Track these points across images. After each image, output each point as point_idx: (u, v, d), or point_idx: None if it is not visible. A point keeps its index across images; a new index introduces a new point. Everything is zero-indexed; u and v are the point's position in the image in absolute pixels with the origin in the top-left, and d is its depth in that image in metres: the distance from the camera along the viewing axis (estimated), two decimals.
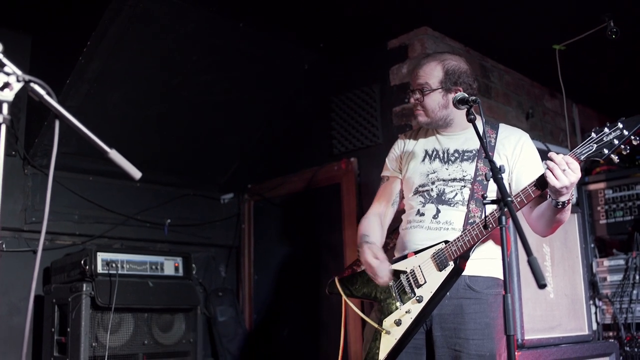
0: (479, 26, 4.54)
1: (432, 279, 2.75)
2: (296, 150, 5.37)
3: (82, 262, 4.22)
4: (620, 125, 2.40)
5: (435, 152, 3.03)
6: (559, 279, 3.95)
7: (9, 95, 1.60)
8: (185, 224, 5.60)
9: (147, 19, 4.12)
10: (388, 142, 4.48)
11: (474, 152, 2.93)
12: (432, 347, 2.83)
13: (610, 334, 4.55)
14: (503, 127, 3.05)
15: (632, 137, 2.36)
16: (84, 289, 4.12)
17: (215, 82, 4.81)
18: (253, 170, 5.76)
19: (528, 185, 2.59)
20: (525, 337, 3.58)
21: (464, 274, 2.75)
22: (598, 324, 4.57)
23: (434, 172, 2.97)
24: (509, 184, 2.89)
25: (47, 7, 4.39)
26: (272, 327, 5.23)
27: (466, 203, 2.85)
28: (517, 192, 2.64)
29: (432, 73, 2.93)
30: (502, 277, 2.49)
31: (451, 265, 2.72)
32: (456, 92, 2.87)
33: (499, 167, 2.36)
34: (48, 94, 1.69)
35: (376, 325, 2.87)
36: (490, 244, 2.84)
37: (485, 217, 2.64)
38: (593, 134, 2.45)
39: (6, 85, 1.60)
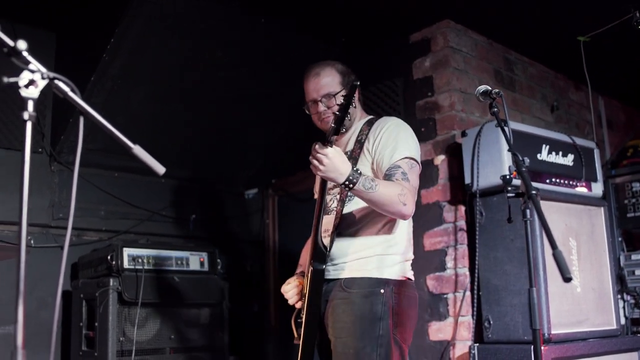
0: (502, 18, 4.50)
1: (307, 285, 2.94)
2: None
3: (109, 257, 4.26)
4: (343, 100, 2.56)
5: None
6: (585, 272, 3.91)
7: (34, 92, 1.61)
8: (210, 220, 5.63)
9: (168, 16, 4.14)
10: None
11: (349, 153, 3.03)
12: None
13: (639, 328, 4.50)
14: (379, 121, 3.10)
15: (351, 103, 2.55)
16: (111, 284, 4.16)
17: (238, 78, 4.82)
18: (277, 166, 5.77)
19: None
20: (552, 332, 3.54)
21: (339, 277, 2.91)
22: (626, 318, 4.52)
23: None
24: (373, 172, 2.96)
25: (70, 4, 4.43)
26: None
27: (335, 208, 2.99)
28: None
29: (332, 78, 3.08)
30: (380, 276, 2.85)
31: (310, 268, 2.87)
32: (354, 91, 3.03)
33: (522, 159, 2.36)
34: (72, 90, 1.71)
35: (295, 335, 3.10)
36: (361, 241, 2.93)
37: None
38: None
39: (31, 82, 1.61)
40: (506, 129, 2.52)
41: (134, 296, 4.19)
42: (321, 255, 2.86)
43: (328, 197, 3.05)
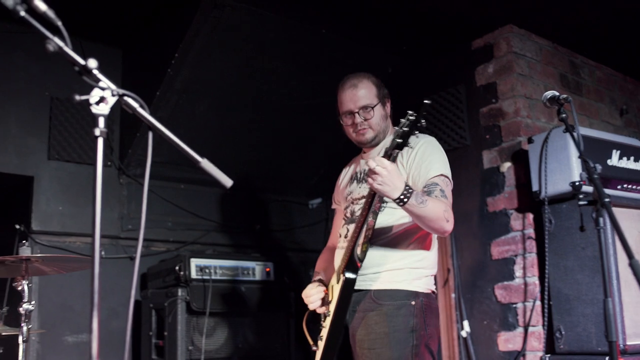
0: (566, 22, 4.41)
1: (335, 293, 2.94)
2: None
3: (177, 268, 4.33)
4: (410, 112, 2.52)
5: (355, 175, 3.24)
6: None
7: (104, 109, 1.66)
8: (275, 229, 5.67)
9: (230, 29, 4.19)
10: (476, 144, 4.42)
11: None
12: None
13: None
14: (413, 139, 3.00)
15: (420, 121, 2.52)
16: (179, 294, 4.23)
17: (300, 88, 4.85)
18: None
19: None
20: (628, 343, 3.43)
21: (369, 288, 2.90)
22: None
23: (350, 193, 3.17)
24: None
25: (136, 21, 4.54)
26: None
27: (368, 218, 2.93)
28: None
29: (370, 90, 3.06)
30: (410, 288, 2.87)
31: (342, 277, 2.86)
32: (388, 101, 3.12)
33: (593, 166, 2.30)
34: (141, 106, 1.74)
35: (312, 343, 3.10)
36: (393, 253, 2.93)
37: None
38: (396, 128, 2.57)
39: (102, 99, 1.65)
40: (575, 134, 2.45)
41: (202, 306, 4.24)
42: (354, 266, 2.86)
43: (356, 207, 3.05)
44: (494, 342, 4.11)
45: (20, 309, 3.04)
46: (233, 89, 4.68)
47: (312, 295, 3.05)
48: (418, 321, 2.86)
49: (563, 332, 3.70)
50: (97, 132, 1.63)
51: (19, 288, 3.09)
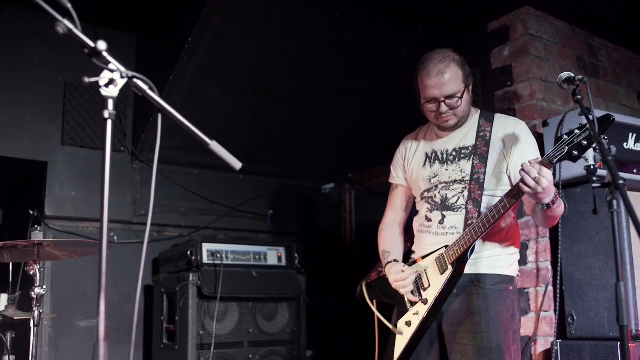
0: (584, 3, 4.34)
1: (435, 282, 2.90)
2: (397, 138, 5.31)
3: (189, 252, 4.34)
4: (587, 125, 2.41)
5: (434, 154, 3.11)
6: None
7: (114, 91, 1.65)
8: (288, 214, 5.67)
9: (243, 13, 4.18)
10: None
11: (470, 148, 2.99)
12: (444, 341, 2.98)
13: None
14: (499, 118, 3.05)
15: (603, 138, 2.35)
16: (191, 278, 4.24)
17: (314, 72, 4.83)
18: (354, 160, 5.75)
19: (503, 196, 2.68)
20: None
21: (470, 272, 2.89)
22: None
23: (436, 176, 3.05)
24: (508, 176, 2.93)
25: (150, 7, 4.53)
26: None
27: (465, 205, 2.93)
28: (496, 203, 2.71)
29: (457, 76, 2.92)
30: (508, 274, 2.93)
31: (450, 268, 2.83)
32: (472, 81, 2.99)
33: (608, 148, 2.26)
34: (151, 89, 1.73)
35: (391, 327, 3.06)
36: (493, 240, 2.94)
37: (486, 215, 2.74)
38: (565, 137, 2.48)
39: (111, 81, 1.65)
40: (591, 117, 2.41)
41: (213, 290, 4.26)
42: (465, 258, 2.83)
43: (450, 193, 2.98)
44: None
45: (32, 293, 3.06)
46: (246, 73, 4.67)
47: (406, 279, 2.95)
48: (516, 306, 2.95)
49: (575, 318, 3.67)
50: (106, 114, 1.62)
51: (31, 272, 3.11)
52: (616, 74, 4.89)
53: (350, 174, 5.83)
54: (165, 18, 4.66)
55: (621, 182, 2.07)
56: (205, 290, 4.24)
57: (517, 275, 3.05)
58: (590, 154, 3.62)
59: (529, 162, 2.50)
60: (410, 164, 3.20)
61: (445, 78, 2.88)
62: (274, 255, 4.73)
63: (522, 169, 2.50)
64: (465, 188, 2.94)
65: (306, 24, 4.44)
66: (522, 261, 4.05)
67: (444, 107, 2.92)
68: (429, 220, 3.04)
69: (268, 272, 4.65)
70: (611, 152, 2.23)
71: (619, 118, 3.89)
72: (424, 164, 3.12)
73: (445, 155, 3.05)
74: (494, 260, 2.94)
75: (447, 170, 3.02)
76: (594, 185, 3.05)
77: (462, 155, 3.00)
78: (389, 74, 5.08)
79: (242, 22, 4.25)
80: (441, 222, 2.98)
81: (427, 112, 3.01)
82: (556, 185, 3.76)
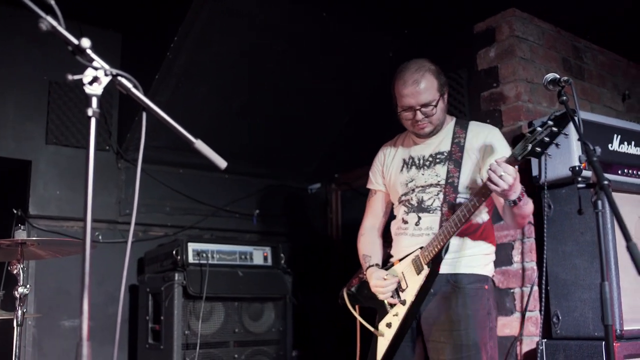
0: (570, 5, 4.36)
1: (413, 283, 3.00)
2: (383, 139, 5.32)
3: (174, 252, 4.33)
4: (550, 123, 2.52)
5: (411, 160, 3.24)
6: None
7: (98, 89, 1.63)
8: (274, 214, 5.66)
9: (230, 12, 4.16)
10: None
11: (446, 154, 3.12)
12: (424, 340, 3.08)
13: None
14: (472, 125, 3.20)
15: (562, 134, 2.53)
16: (176, 278, 4.23)
17: (300, 72, 4.82)
18: (340, 160, 5.75)
19: (473, 195, 2.80)
20: (625, 328, 3.42)
21: (447, 272, 3.00)
22: None
23: (412, 180, 3.18)
24: (482, 179, 2.98)
25: (135, 5, 4.51)
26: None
27: (440, 207, 3.04)
28: (466, 202, 2.84)
29: (432, 85, 3.04)
30: (484, 273, 3.05)
31: (426, 268, 2.94)
32: (447, 90, 3.13)
33: (593, 149, 2.28)
34: (135, 86, 1.72)
35: (372, 329, 3.14)
36: (468, 241, 3.06)
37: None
38: (528, 135, 2.59)
39: (95, 79, 1.63)
40: (576, 118, 2.43)
41: (198, 290, 4.24)
42: (440, 258, 2.93)
43: (426, 196, 3.11)
44: None
45: (16, 292, 3.05)
46: (233, 72, 4.65)
47: (386, 287, 3.05)
48: (491, 304, 3.07)
49: (560, 317, 3.69)
50: (90, 112, 1.61)
51: (15, 272, 3.09)
52: (601, 76, 4.91)
53: (336, 174, 5.83)
54: (151, 17, 4.63)
55: (606, 182, 2.09)
56: (190, 290, 4.22)
57: (493, 276, 3.17)
58: (576, 154, 3.66)
59: (496, 161, 2.63)
60: (389, 170, 3.33)
61: (421, 87, 3.02)
62: (259, 255, 4.72)
63: (490, 168, 2.63)
64: (441, 191, 3.06)
65: (292, 24, 4.43)
66: (508, 261, 4.07)
67: (419, 115, 3.05)
68: (406, 222, 3.16)
69: (254, 271, 4.64)
70: (596, 153, 2.25)
71: (604, 120, 3.92)
72: (402, 169, 3.25)
73: (421, 161, 3.19)
74: (469, 260, 3.05)
75: (423, 174, 3.15)
76: (579, 185, 3.09)
77: (438, 160, 3.13)
78: (375, 75, 5.08)
79: (228, 21, 4.24)
80: (417, 223, 3.10)
81: (403, 120, 3.15)
82: (541, 186, 3.79)
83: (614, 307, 3.40)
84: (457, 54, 4.65)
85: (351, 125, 5.47)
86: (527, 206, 2.84)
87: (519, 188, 2.71)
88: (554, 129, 2.51)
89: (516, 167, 2.65)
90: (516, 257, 4.04)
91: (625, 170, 3.85)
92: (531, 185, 3.95)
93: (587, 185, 3.54)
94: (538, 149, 2.56)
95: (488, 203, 3.03)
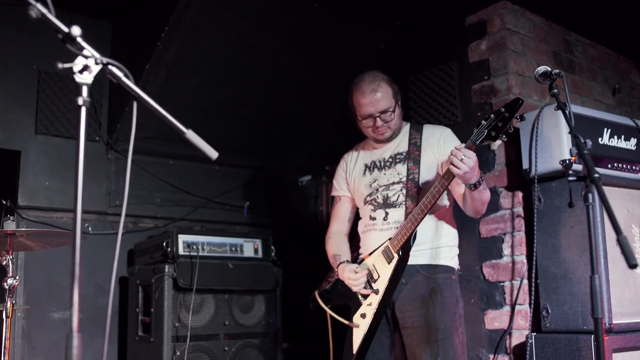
0: None
1: (384, 272, 3.17)
2: None
3: (164, 244, 4.31)
4: (502, 109, 2.75)
5: (373, 164, 3.49)
6: None
7: (88, 78, 1.62)
8: (264, 206, 5.65)
9: (221, 2, 4.14)
10: (467, 121, 4.39)
11: (404, 154, 3.38)
12: (399, 328, 3.28)
13: None
14: (426, 127, 3.48)
15: (514, 118, 2.76)
16: (166, 270, 4.21)
17: (291, 64, 4.81)
18: (331, 152, 5.72)
19: (436, 181, 3.01)
20: (614, 321, 3.44)
21: (416, 263, 3.20)
22: None
23: (375, 181, 3.42)
24: (439, 173, 3.27)
25: None
26: None
27: (405, 202, 3.26)
28: (430, 189, 3.03)
29: (387, 93, 3.32)
30: (450, 265, 3.30)
31: (396, 256, 3.11)
32: (400, 97, 3.40)
33: (584, 142, 2.29)
34: (126, 76, 1.71)
35: (346, 322, 3.29)
36: (435, 234, 3.29)
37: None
38: (483, 122, 2.82)
39: (85, 68, 1.62)
40: (567, 111, 2.43)
41: (188, 282, 4.23)
42: (409, 246, 3.11)
43: (390, 192, 3.32)
44: (480, 320, 4.11)
45: (5, 284, 3.03)
46: (223, 64, 4.63)
47: (358, 279, 3.21)
48: (459, 293, 3.31)
49: (549, 311, 3.70)
50: (80, 101, 1.60)
51: (4, 263, 3.08)
52: (592, 70, 4.92)
53: (327, 167, 5.82)
54: (142, 6, 4.60)
55: (596, 175, 2.09)
56: (180, 282, 4.21)
57: (458, 269, 3.39)
58: (566, 147, 3.67)
59: (456, 147, 2.85)
60: (352, 175, 3.57)
61: (378, 96, 3.29)
62: (250, 247, 4.71)
63: (451, 153, 2.85)
64: (403, 187, 3.29)
65: (284, 15, 4.41)
66: (498, 254, 4.08)
67: (379, 122, 3.31)
68: (373, 219, 3.36)
69: (244, 264, 4.63)
70: (587, 146, 2.25)
71: (595, 113, 3.93)
72: (364, 173, 3.50)
73: (382, 163, 3.44)
74: (435, 252, 3.28)
75: (385, 174, 3.39)
76: (570, 179, 3.11)
77: (398, 160, 3.38)
78: (367, 67, 5.03)
79: (219, 12, 4.21)
80: (385, 218, 3.30)
81: (364, 128, 3.42)
82: (532, 179, 3.79)
83: (603, 300, 3.41)
84: (448, 46, 4.65)
85: (342, 118, 5.45)
86: (486, 192, 3.09)
87: (477, 172, 2.90)
88: (506, 114, 2.73)
89: (475, 151, 2.86)
90: (506, 250, 4.05)
91: (615, 164, 3.85)
92: (521, 178, 3.96)
93: (577, 179, 3.55)
94: (493, 133, 2.78)
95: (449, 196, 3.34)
